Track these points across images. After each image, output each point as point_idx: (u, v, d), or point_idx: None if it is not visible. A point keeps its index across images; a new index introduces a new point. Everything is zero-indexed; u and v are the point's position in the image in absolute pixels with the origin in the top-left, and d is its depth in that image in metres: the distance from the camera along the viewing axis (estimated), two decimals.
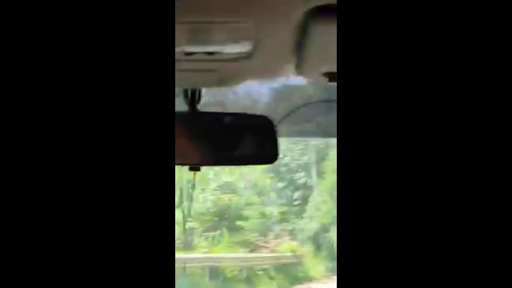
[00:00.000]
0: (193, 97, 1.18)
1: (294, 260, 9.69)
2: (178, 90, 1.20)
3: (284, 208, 11.67)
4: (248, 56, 0.92)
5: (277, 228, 11.01)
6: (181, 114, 1.20)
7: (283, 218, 11.43)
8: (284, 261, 9.48)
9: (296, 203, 12.77)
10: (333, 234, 11.39)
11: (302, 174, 13.22)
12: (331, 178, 11.75)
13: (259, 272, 8.80)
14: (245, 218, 10.35)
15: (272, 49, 0.90)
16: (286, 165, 12.28)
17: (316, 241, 11.13)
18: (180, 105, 1.21)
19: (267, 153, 1.24)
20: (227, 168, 9.64)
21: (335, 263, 10.65)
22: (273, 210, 10.79)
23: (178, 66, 0.88)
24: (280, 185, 12.91)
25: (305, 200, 12.89)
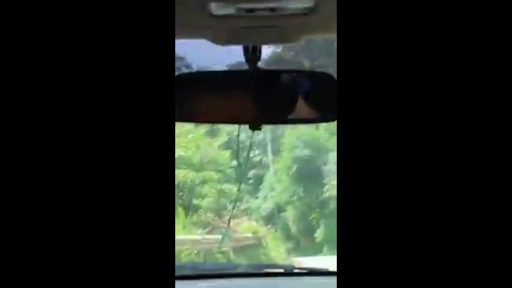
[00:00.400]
0: (254, 54, 1.19)
1: (254, 242, 9.22)
2: (239, 47, 1.21)
3: (239, 187, 11.41)
4: (310, 11, 0.97)
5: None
6: (242, 72, 1.23)
7: (238, 197, 11.15)
8: (244, 243, 8.94)
9: (250, 181, 12.61)
10: (288, 214, 11.28)
11: (257, 152, 13.03)
12: (287, 156, 11.67)
13: (217, 255, 8.22)
14: (202, 196, 9.78)
15: (335, 4, 0.89)
16: (241, 142, 12.08)
17: (270, 221, 10.94)
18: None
19: (328, 111, 1.23)
20: (182, 142, 9.28)
21: (292, 244, 10.74)
22: (232, 188, 10.36)
23: (239, 22, 1.02)
24: (234, 162, 12.64)
25: (259, 179, 12.75)
